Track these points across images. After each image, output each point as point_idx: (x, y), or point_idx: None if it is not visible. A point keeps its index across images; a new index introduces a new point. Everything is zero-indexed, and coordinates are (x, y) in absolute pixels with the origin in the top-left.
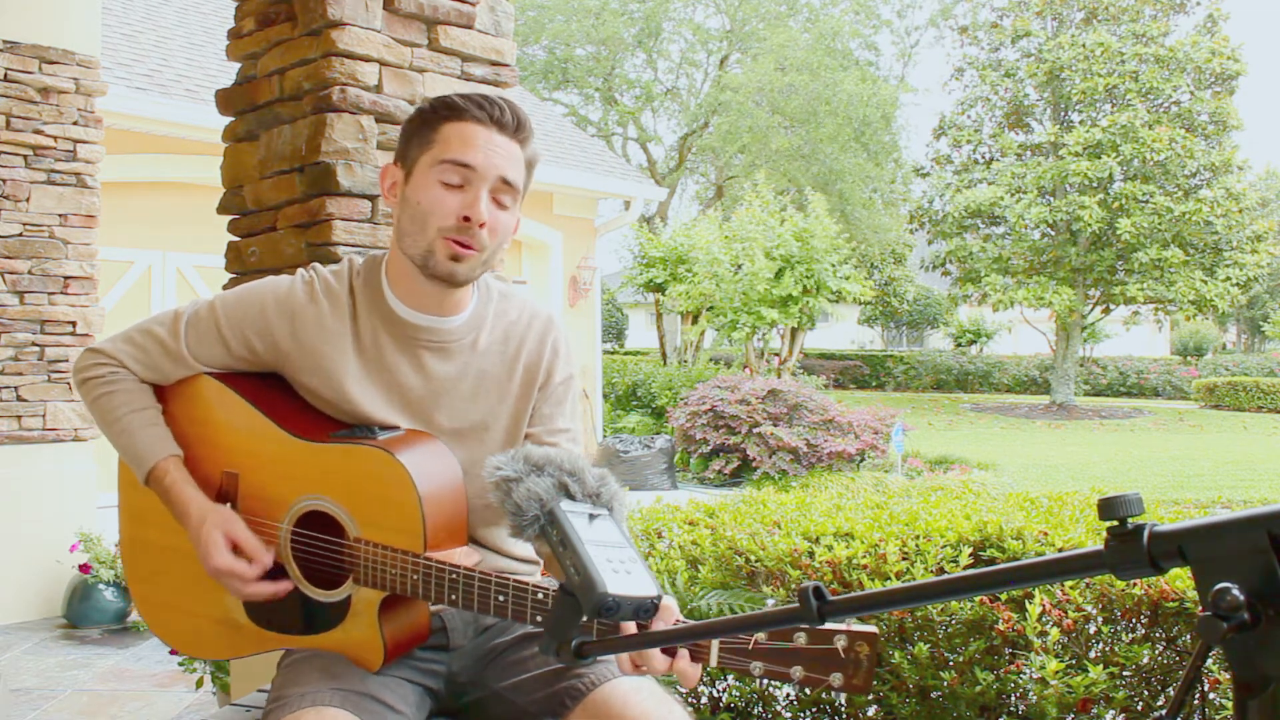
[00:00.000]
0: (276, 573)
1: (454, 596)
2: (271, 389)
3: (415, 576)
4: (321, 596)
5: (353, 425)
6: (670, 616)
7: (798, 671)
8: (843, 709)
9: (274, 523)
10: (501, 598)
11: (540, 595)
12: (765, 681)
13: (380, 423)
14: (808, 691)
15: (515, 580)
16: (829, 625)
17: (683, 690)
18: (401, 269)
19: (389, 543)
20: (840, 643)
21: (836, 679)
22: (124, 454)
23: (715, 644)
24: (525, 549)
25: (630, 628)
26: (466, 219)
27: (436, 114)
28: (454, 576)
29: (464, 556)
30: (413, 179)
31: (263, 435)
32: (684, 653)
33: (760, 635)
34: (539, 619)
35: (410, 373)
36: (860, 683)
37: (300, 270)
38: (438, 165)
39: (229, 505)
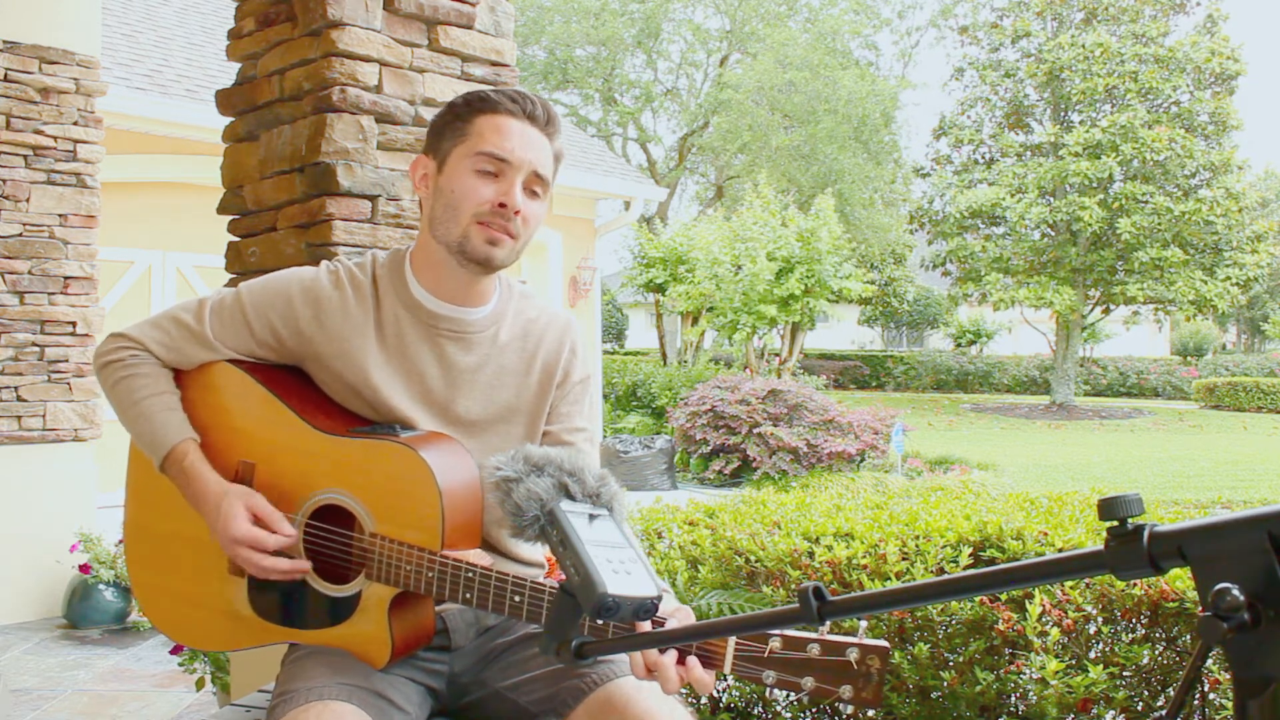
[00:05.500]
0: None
1: (469, 595)
2: (293, 380)
3: (431, 574)
4: (331, 591)
5: (374, 422)
6: (687, 621)
7: (809, 682)
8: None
9: (289, 514)
10: (518, 598)
11: None
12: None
13: (399, 413)
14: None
15: (532, 581)
16: (842, 637)
17: (684, 690)
18: (430, 258)
19: (406, 539)
20: (852, 655)
21: (847, 691)
22: (140, 438)
23: (730, 652)
24: (532, 551)
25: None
26: (502, 205)
27: (470, 107)
28: (470, 576)
29: (478, 558)
30: (446, 169)
31: (283, 425)
32: (695, 660)
33: (775, 644)
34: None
35: (431, 361)
36: (870, 696)
37: (325, 261)
38: (473, 156)
39: None
